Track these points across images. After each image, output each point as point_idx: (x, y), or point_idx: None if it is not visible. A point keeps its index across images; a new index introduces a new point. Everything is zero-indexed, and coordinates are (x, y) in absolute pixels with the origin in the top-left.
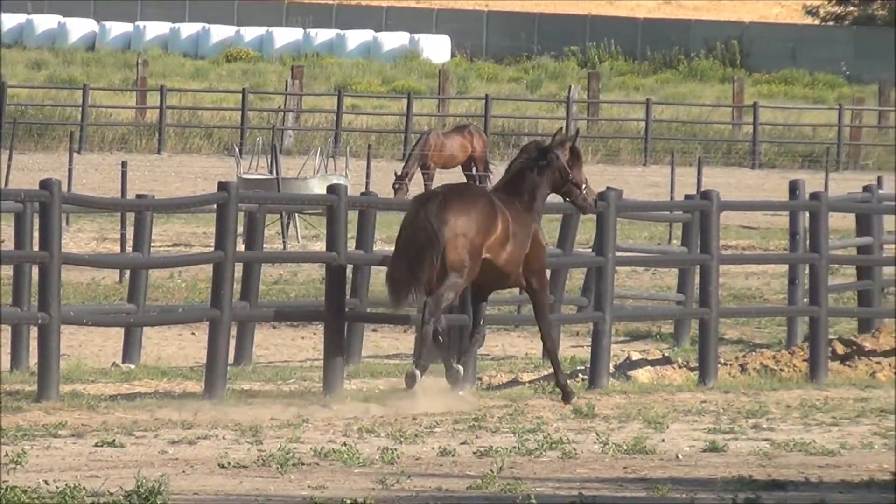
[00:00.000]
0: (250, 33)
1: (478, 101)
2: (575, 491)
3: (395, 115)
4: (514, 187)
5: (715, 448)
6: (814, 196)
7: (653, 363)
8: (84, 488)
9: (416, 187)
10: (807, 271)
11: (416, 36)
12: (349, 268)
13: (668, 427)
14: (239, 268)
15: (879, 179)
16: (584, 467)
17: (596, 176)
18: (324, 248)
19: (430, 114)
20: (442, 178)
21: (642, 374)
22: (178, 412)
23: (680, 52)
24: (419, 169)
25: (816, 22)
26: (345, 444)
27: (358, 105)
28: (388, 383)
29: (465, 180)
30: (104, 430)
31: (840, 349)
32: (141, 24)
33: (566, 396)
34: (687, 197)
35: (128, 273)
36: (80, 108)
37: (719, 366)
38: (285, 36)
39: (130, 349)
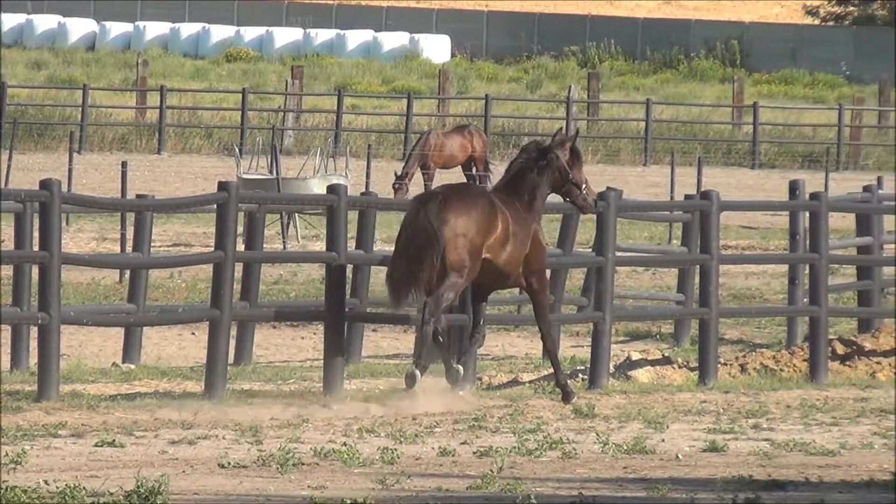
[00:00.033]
0: (250, 33)
1: (478, 101)
2: (575, 491)
3: (395, 115)
4: (514, 187)
5: (715, 448)
6: (814, 196)
7: (653, 363)
8: (84, 488)
9: (416, 187)
10: (807, 271)
11: (416, 36)
12: (349, 268)
13: (668, 427)
14: (239, 268)
15: (879, 179)
16: (584, 467)
17: (596, 176)
18: (324, 248)
19: (430, 114)
20: (442, 178)
21: (642, 375)
22: (178, 412)
23: (680, 52)
24: (419, 169)
25: (816, 22)
26: (345, 444)
27: (358, 105)
28: (388, 383)
29: (465, 180)
30: (104, 430)
31: (840, 349)
32: (141, 24)
33: (566, 397)
34: (687, 197)
35: (128, 273)
36: (80, 108)
37: (719, 366)
38: (285, 36)
39: (130, 349)
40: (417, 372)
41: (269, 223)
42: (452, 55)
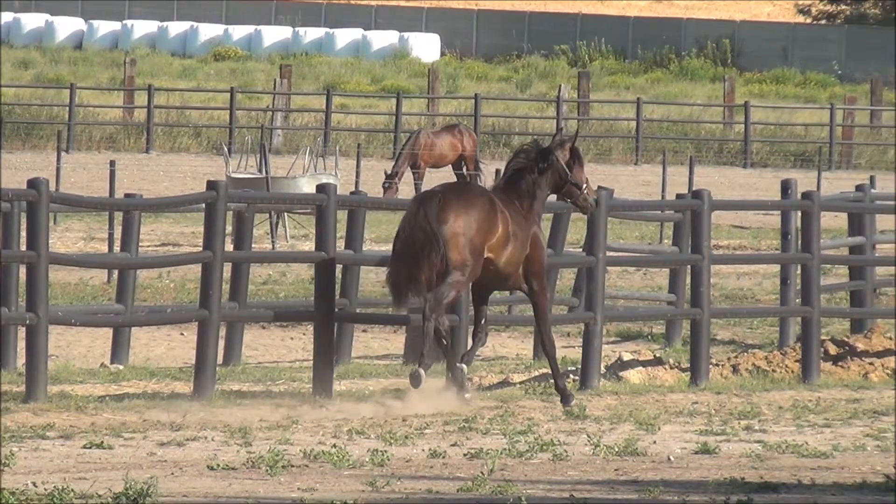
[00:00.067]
0: (238, 32)
1: (467, 101)
2: (566, 493)
3: (385, 114)
4: (513, 188)
5: (707, 450)
6: (806, 195)
7: (644, 364)
8: (72, 490)
9: (405, 186)
10: (799, 271)
11: (406, 35)
12: (339, 268)
13: (659, 428)
14: (228, 268)
15: (872, 179)
16: (575, 469)
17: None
18: (313, 248)
19: (419, 113)
20: (432, 177)
21: (633, 375)
22: (166, 413)
23: (671, 51)
24: (409, 168)
25: (808, 21)
26: (334, 445)
27: (347, 104)
28: (378, 384)
29: (455, 179)
30: (92, 431)
31: (832, 350)
32: (129, 22)
33: (565, 399)
34: (678, 196)
35: (116, 273)
36: (68, 108)
37: (711, 366)
38: (274, 35)
39: (119, 350)
40: (422, 371)
41: (258, 223)
42: (442, 54)
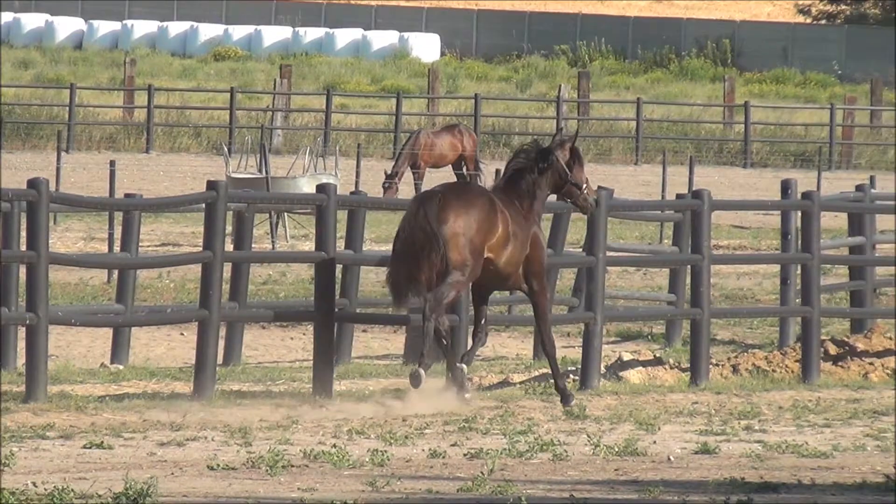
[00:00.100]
0: (238, 32)
1: (467, 101)
2: (566, 493)
3: (385, 114)
4: (513, 188)
5: (707, 450)
6: (806, 195)
7: (644, 364)
8: (72, 490)
9: (405, 186)
10: (799, 271)
11: (406, 35)
12: (339, 268)
13: (659, 428)
14: (228, 268)
15: (872, 179)
16: (575, 469)
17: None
18: (313, 248)
19: (419, 113)
20: (432, 177)
21: (633, 375)
22: (166, 413)
23: (671, 51)
24: (409, 168)
25: (808, 21)
26: (334, 445)
27: (347, 104)
28: (378, 384)
29: (455, 179)
30: (92, 431)
31: (832, 350)
32: (129, 22)
33: (565, 399)
34: (678, 196)
35: (116, 273)
36: (68, 108)
37: (711, 366)
38: (274, 34)
39: (119, 350)
40: (422, 371)
41: (258, 223)
42: (442, 54)
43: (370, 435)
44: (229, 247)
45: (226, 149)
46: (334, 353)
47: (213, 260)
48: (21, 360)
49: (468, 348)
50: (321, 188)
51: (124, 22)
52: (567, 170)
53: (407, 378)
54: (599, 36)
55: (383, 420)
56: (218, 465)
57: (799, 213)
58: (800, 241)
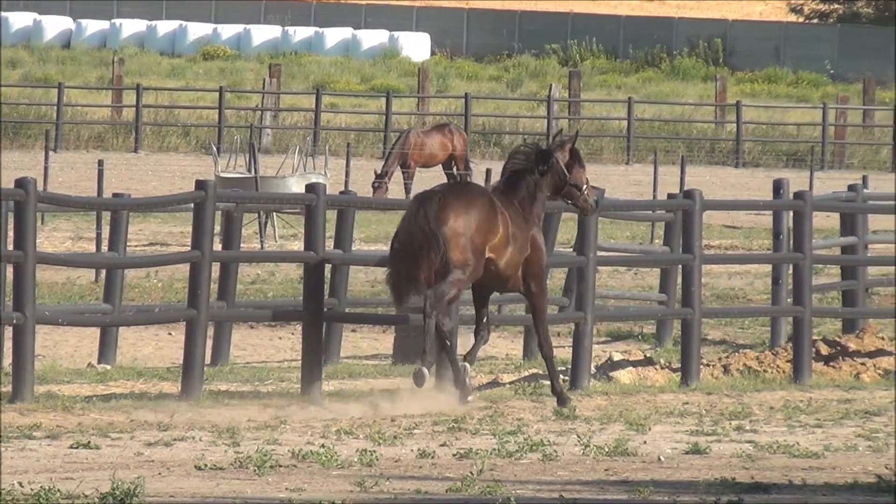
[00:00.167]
0: (228, 31)
1: (458, 100)
2: (556, 493)
3: (375, 113)
4: (513, 190)
5: (697, 450)
6: (798, 195)
7: (635, 364)
8: (59, 490)
9: (395, 186)
10: (790, 271)
11: (396, 34)
12: (328, 267)
13: (650, 429)
14: (216, 267)
15: (864, 178)
16: (564, 470)
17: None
18: (302, 248)
19: (409, 112)
20: (422, 176)
21: (624, 375)
22: (154, 413)
23: (662, 51)
24: (399, 168)
25: (800, 20)
26: (323, 445)
27: (336, 104)
28: (367, 384)
29: (445, 179)
30: (79, 431)
31: (824, 350)
32: (117, 21)
33: (561, 401)
34: (670, 196)
35: (103, 273)
36: (56, 107)
37: (702, 367)
38: (263, 34)
39: (106, 350)
40: (425, 370)
41: (246, 222)
42: (432, 53)
43: (359, 435)
44: (218, 246)
45: (215, 148)
46: (323, 353)
47: (201, 259)
48: (8, 360)
49: (470, 347)
50: (310, 188)
51: (113, 21)
52: (566, 171)
53: (397, 378)
54: (590, 35)
55: (372, 420)
56: (206, 466)
57: (791, 213)
58: (791, 241)
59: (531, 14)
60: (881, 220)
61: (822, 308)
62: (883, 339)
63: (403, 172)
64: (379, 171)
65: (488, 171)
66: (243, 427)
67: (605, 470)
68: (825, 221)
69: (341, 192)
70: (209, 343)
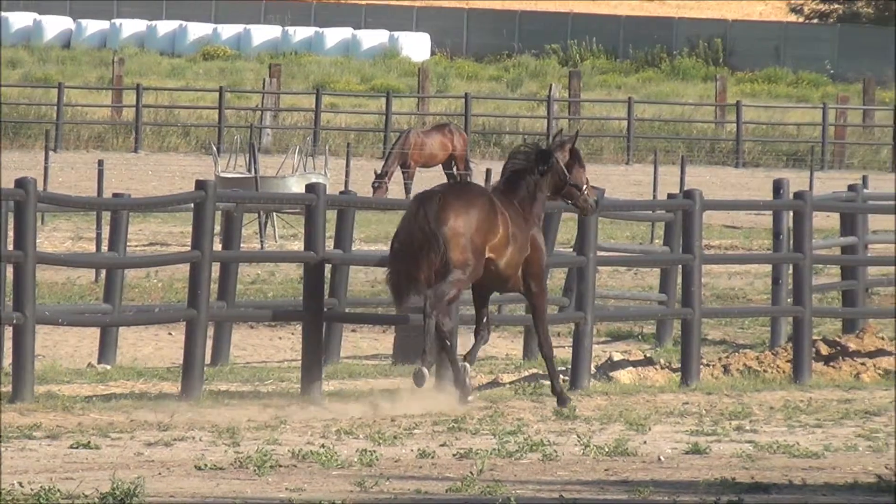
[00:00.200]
0: (228, 31)
1: (458, 100)
2: (556, 493)
3: (375, 113)
4: (513, 190)
5: (697, 450)
6: (798, 195)
7: (635, 364)
8: (59, 490)
9: (395, 186)
10: (790, 271)
11: (396, 34)
12: (328, 267)
13: (650, 429)
14: (216, 267)
15: (864, 178)
16: (564, 470)
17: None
18: (302, 248)
19: (409, 112)
20: (422, 176)
21: (624, 375)
22: (154, 413)
23: (662, 51)
24: (399, 168)
25: (800, 20)
26: (323, 445)
27: (336, 104)
28: (367, 384)
29: (445, 179)
30: (79, 431)
31: (824, 350)
32: (117, 21)
33: (561, 402)
34: (670, 196)
35: (103, 273)
36: (56, 107)
37: (702, 367)
38: (263, 34)
39: (106, 350)
40: (425, 370)
41: (246, 222)
42: (432, 53)
43: (359, 435)
44: (218, 246)
45: (215, 148)
46: (323, 353)
47: (201, 259)
48: (8, 360)
49: (471, 347)
50: (310, 188)
51: (113, 21)
52: (566, 171)
53: (397, 378)
54: (590, 35)
55: (372, 420)
56: (205, 466)
57: (791, 213)
58: (791, 241)
59: (531, 14)
60: (881, 220)
61: (822, 308)
62: (883, 339)
63: (403, 172)
64: (379, 171)
65: (488, 171)
66: (243, 427)
67: (605, 470)
68: (825, 221)
69: (341, 192)
70: (209, 343)
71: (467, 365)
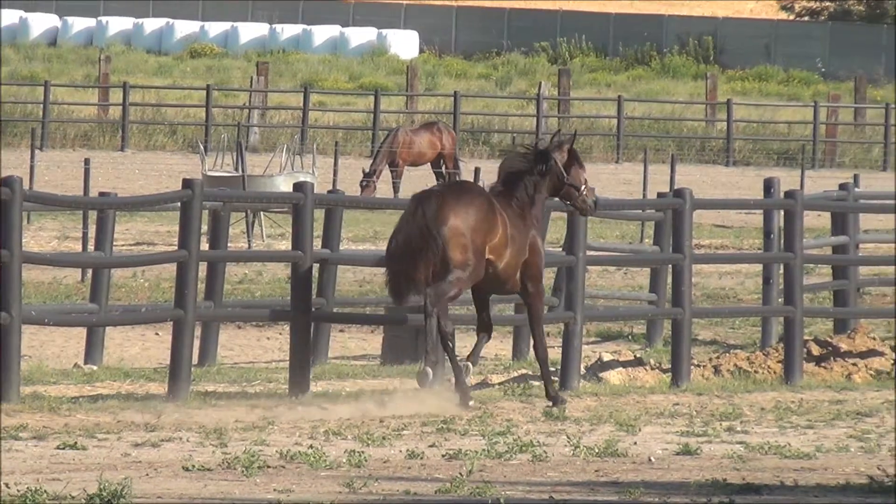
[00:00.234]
0: (215, 29)
1: (447, 98)
2: (545, 495)
3: (363, 111)
4: (512, 191)
5: (688, 451)
6: (789, 194)
7: (624, 364)
8: (45, 491)
9: (384, 185)
10: (781, 271)
11: (384, 31)
12: (315, 267)
13: (640, 430)
14: (203, 267)
15: (856, 177)
16: (554, 471)
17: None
18: (289, 247)
19: (397, 111)
20: (411, 175)
21: (614, 376)
22: (141, 414)
23: (652, 48)
24: (387, 166)
25: (791, 17)
26: (311, 446)
27: (324, 102)
28: (355, 385)
29: (434, 178)
30: (66, 432)
31: (815, 350)
32: (104, 19)
33: (556, 402)
34: (660, 195)
35: (90, 272)
36: (42, 105)
37: (692, 367)
38: (251, 31)
39: (93, 350)
40: (429, 369)
41: (233, 221)
42: (421, 51)
43: (347, 436)
44: (205, 246)
45: (202, 147)
46: (311, 354)
47: (188, 259)
48: None
49: (473, 347)
50: (298, 187)
51: (99, 18)
52: (564, 172)
53: (385, 378)
54: (580, 33)
55: (360, 421)
56: (193, 466)
57: (782, 212)
58: (782, 241)
59: (520, 11)
60: (872, 220)
61: (813, 308)
62: (874, 339)
63: (392, 171)
64: (367, 170)
65: (477, 170)
66: (231, 428)
67: (596, 471)
68: (816, 221)
69: (329, 191)
70: (196, 343)
71: (469, 364)
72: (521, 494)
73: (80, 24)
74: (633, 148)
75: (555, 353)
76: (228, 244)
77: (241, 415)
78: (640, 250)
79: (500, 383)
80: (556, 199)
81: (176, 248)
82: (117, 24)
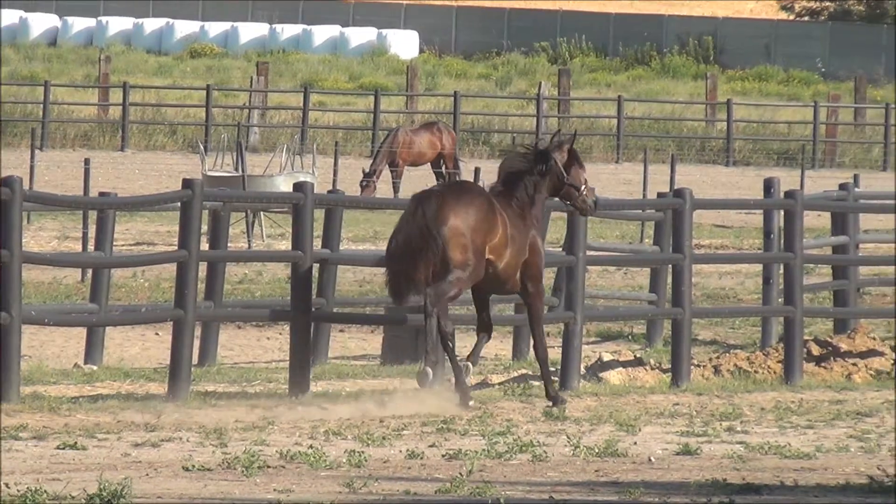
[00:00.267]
0: (215, 29)
1: (447, 98)
2: (546, 495)
3: (363, 111)
4: (512, 191)
5: (688, 451)
6: (789, 194)
7: (624, 364)
8: (46, 491)
9: (384, 185)
10: (781, 271)
11: (384, 31)
12: (315, 267)
13: (640, 430)
14: (203, 267)
15: (856, 177)
16: (554, 471)
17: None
18: (289, 247)
19: (397, 111)
20: (411, 175)
21: (614, 376)
22: (141, 414)
23: (652, 49)
24: (387, 166)
25: (791, 17)
26: (311, 446)
27: (324, 102)
28: (355, 385)
29: (434, 178)
30: (66, 432)
31: (815, 350)
32: (104, 19)
33: (556, 402)
34: (660, 195)
35: (90, 272)
36: (42, 105)
37: (692, 367)
38: (251, 31)
39: (93, 350)
40: (429, 369)
41: (233, 221)
42: (421, 51)
43: (347, 436)
44: (205, 246)
45: (202, 147)
46: (311, 354)
47: (188, 259)
48: None
49: (473, 346)
50: (298, 187)
51: (99, 18)
52: (564, 172)
53: (385, 378)
54: (580, 33)
55: (360, 421)
56: (193, 466)
57: (782, 212)
58: (782, 241)
59: (520, 11)
60: (872, 220)
61: (813, 308)
62: (874, 339)
63: (392, 171)
64: (367, 170)
65: (477, 170)
66: (231, 428)
67: (596, 471)
68: (816, 221)
69: (329, 191)
70: (196, 343)
71: (469, 364)
72: (521, 494)
73: (80, 24)
74: (633, 148)
75: (555, 353)
76: (228, 244)
77: (241, 415)
78: (640, 250)
79: (500, 383)
80: (556, 199)
81: (176, 248)
82: (117, 24)
